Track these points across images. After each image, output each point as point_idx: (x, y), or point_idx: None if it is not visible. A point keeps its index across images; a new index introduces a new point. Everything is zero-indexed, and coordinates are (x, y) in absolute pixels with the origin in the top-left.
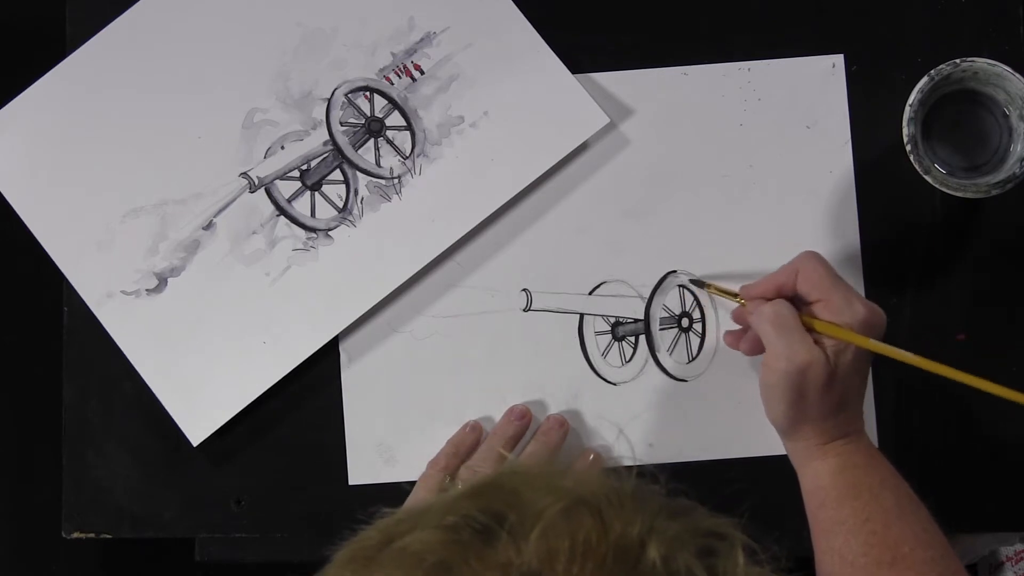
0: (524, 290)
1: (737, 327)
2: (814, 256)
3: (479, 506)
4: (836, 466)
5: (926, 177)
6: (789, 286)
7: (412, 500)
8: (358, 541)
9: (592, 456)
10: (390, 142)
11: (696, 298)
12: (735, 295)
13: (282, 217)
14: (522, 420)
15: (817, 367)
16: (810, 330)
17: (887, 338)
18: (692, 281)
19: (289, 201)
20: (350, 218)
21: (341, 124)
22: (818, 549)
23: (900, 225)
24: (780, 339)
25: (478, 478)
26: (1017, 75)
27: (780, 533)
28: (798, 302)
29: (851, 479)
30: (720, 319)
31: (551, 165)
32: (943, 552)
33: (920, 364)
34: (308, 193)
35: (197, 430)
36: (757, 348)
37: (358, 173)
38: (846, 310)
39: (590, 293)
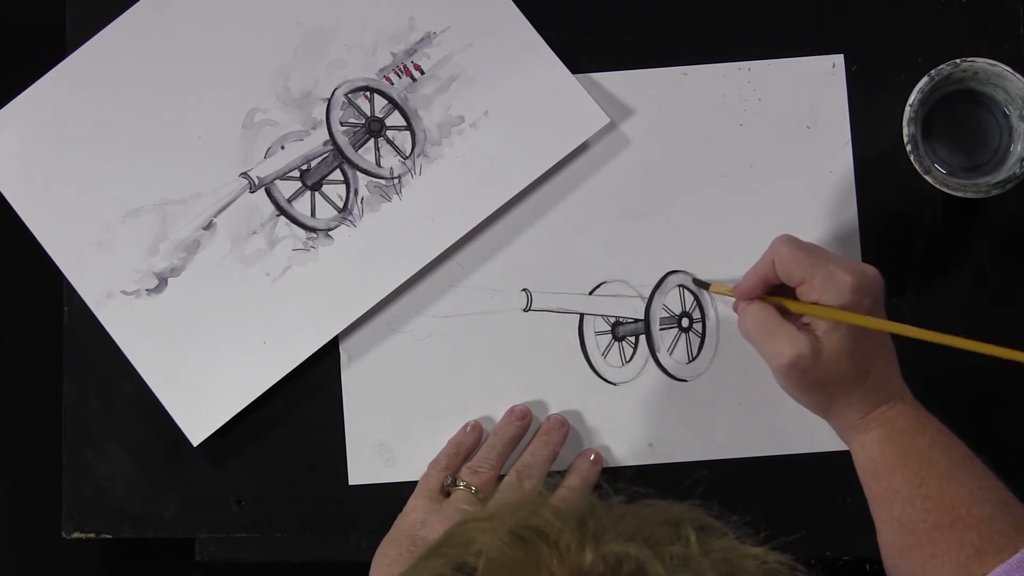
0: (524, 290)
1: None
2: (786, 241)
3: (445, 563)
4: (881, 435)
5: (926, 177)
6: (772, 275)
7: (413, 501)
8: None
9: (592, 456)
10: (390, 142)
11: (696, 298)
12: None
13: (282, 217)
14: (523, 420)
15: (806, 356)
16: (798, 316)
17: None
18: (695, 281)
19: (289, 201)
20: (350, 218)
21: (341, 124)
22: (878, 520)
23: (900, 225)
24: (762, 342)
25: (437, 537)
26: (1017, 75)
27: (781, 532)
28: (784, 288)
29: (899, 446)
30: (720, 319)
31: (551, 165)
32: (1001, 507)
33: (898, 330)
34: (308, 193)
35: (197, 430)
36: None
37: (358, 173)
38: (829, 285)
39: (590, 293)
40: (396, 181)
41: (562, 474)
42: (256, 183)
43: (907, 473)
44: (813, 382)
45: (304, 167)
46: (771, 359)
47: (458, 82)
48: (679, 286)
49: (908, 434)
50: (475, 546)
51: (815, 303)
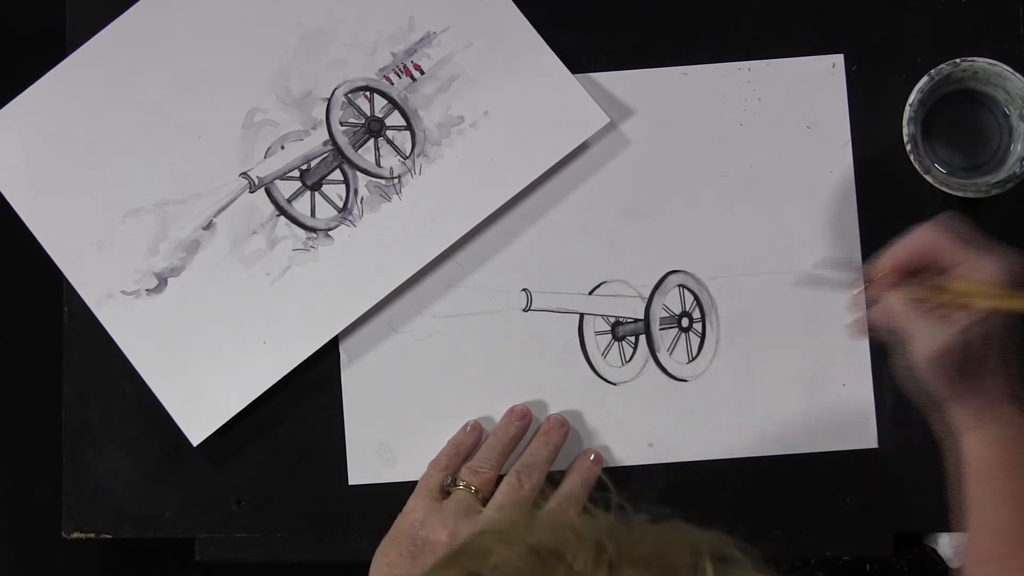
0: (524, 290)
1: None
2: (932, 229)
3: (459, 573)
4: (1000, 435)
5: (926, 177)
6: (911, 263)
7: (412, 501)
8: None
9: (593, 456)
10: (390, 142)
11: (696, 298)
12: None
13: (282, 217)
14: (523, 420)
15: (954, 349)
16: (942, 304)
17: None
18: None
19: (289, 201)
20: (350, 218)
21: (341, 124)
22: (972, 523)
23: (900, 225)
24: (910, 330)
25: (452, 546)
26: (1017, 75)
27: (781, 532)
28: (930, 273)
29: (1013, 449)
30: (720, 319)
31: (551, 165)
32: None
33: None
34: (308, 193)
35: (197, 430)
36: (887, 324)
37: (358, 173)
38: (983, 270)
39: (590, 293)
40: (396, 181)
41: (562, 474)
42: (256, 183)
43: (1021, 481)
44: (956, 370)
45: (304, 167)
46: (919, 345)
47: (458, 82)
48: (679, 286)
49: (1020, 439)
50: (491, 559)
51: (970, 290)
